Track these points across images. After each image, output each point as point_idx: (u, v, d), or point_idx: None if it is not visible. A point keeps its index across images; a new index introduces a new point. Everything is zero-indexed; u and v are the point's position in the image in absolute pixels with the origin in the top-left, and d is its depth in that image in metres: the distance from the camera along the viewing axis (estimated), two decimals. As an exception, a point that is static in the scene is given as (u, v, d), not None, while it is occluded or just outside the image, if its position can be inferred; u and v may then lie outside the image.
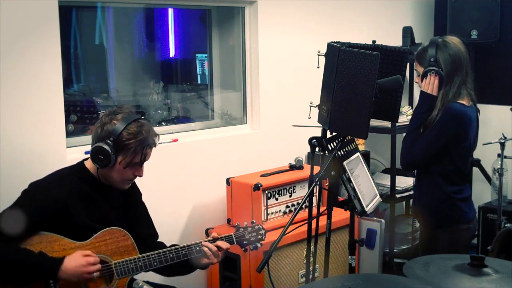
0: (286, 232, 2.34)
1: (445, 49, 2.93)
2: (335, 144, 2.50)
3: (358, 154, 2.64)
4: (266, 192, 3.44)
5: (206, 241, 2.66)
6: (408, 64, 3.86)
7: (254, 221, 2.79)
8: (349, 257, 2.56)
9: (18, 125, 2.91)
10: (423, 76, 2.94)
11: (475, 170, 4.45)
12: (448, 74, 2.91)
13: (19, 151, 2.91)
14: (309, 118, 2.64)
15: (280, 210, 3.53)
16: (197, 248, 2.62)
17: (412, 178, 4.32)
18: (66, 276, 2.36)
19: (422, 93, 2.96)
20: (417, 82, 3.07)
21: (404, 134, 4.48)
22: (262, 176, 3.55)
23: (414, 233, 4.37)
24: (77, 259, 2.39)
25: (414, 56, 3.10)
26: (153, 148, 2.59)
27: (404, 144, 3.04)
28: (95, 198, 2.56)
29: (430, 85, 2.92)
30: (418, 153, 2.97)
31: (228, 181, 3.53)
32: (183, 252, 2.60)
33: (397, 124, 4.00)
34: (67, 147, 3.13)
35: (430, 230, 3.09)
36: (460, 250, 2.91)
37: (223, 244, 2.67)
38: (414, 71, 3.09)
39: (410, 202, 4.75)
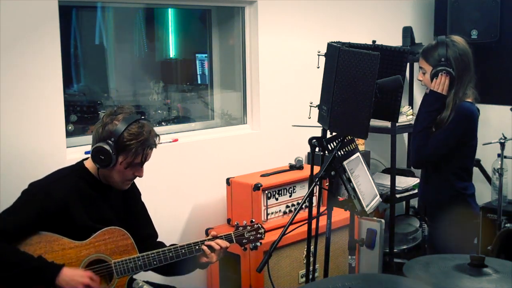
0: (286, 232, 2.34)
1: (455, 49, 2.95)
2: (335, 144, 2.50)
3: (358, 154, 2.64)
4: (266, 192, 3.44)
5: (206, 240, 2.66)
6: (408, 64, 3.86)
7: (254, 220, 2.79)
8: (349, 257, 2.57)
9: (18, 125, 2.91)
10: (434, 75, 2.95)
11: (475, 170, 4.44)
12: (459, 74, 2.94)
13: (19, 151, 2.91)
14: (309, 118, 2.64)
15: (280, 210, 3.53)
16: (197, 247, 2.62)
17: (412, 178, 4.33)
18: (63, 283, 2.35)
19: (432, 93, 2.97)
20: (420, 80, 3.07)
21: (404, 134, 4.53)
22: (262, 176, 3.55)
23: (415, 232, 4.37)
24: (77, 269, 2.40)
25: (419, 53, 3.09)
26: (154, 149, 2.59)
27: (415, 143, 3.05)
28: (95, 198, 2.56)
29: (441, 85, 2.94)
30: (431, 151, 2.99)
31: (228, 181, 3.53)
32: (183, 251, 2.60)
33: (397, 124, 4.00)
34: (67, 147, 3.13)
35: (440, 227, 3.09)
36: (469, 246, 2.94)
37: (223, 243, 2.67)
38: (420, 68, 3.09)
39: (410, 202, 4.76)
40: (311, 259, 2.86)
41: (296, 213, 2.36)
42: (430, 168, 3.12)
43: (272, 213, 3.48)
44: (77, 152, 3.16)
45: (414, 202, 4.66)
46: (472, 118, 2.98)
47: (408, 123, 4.17)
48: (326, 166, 2.40)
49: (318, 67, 2.55)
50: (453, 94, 2.95)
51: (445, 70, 2.92)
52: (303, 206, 2.53)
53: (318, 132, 2.69)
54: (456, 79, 2.94)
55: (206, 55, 4.17)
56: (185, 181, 3.60)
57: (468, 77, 2.97)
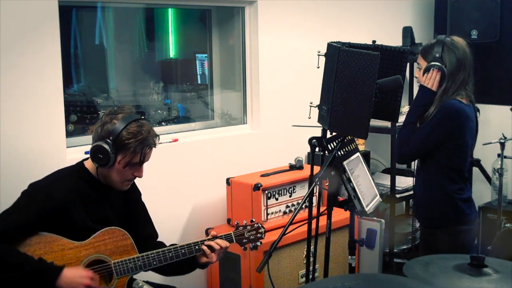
0: (286, 232, 2.34)
1: (452, 48, 2.93)
2: (335, 144, 2.50)
3: (358, 154, 2.64)
4: (266, 192, 3.44)
5: (206, 239, 2.66)
6: (408, 64, 3.86)
7: (254, 220, 2.78)
8: (349, 257, 2.56)
9: (18, 125, 2.91)
10: (426, 70, 2.95)
11: (475, 170, 4.45)
12: (451, 72, 2.91)
13: (19, 151, 2.91)
14: (309, 118, 2.64)
15: (280, 210, 3.53)
16: (196, 247, 2.62)
17: (412, 178, 4.33)
18: (64, 285, 2.34)
19: (422, 87, 2.97)
20: (416, 77, 3.08)
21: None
22: (262, 176, 3.55)
23: (414, 233, 4.37)
24: (78, 270, 2.40)
25: (418, 51, 3.09)
26: (153, 149, 2.59)
27: (399, 138, 3.03)
28: (95, 198, 2.56)
29: (431, 80, 2.93)
30: (414, 147, 2.96)
31: (228, 181, 3.53)
32: (183, 251, 2.60)
33: (397, 124, 4.00)
34: (67, 147, 3.13)
35: (429, 229, 3.08)
36: (462, 252, 2.89)
37: (223, 243, 2.67)
38: (416, 65, 3.09)
39: (410, 202, 4.76)
40: (311, 259, 2.86)
41: (296, 213, 2.36)
42: (419, 165, 3.10)
43: (272, 213, 3.48)
44: (77, 152, 3.17)
45: (414, 202, 4.67)
46: (457, 115, 2.90)
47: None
48: (326, 166, 2.40)
49: (318, 67, 2.55)
50: (442, 91, 2.92)
51: (437, 66, 2.91)
52: (303, 206, 2.53)
53: (318, 132, 2.69)
54: (448, 76, 2.91)
55: (206, 55, 4.17)
56: (185, 181, 3.60)
57: (461, 77, 2.92)
